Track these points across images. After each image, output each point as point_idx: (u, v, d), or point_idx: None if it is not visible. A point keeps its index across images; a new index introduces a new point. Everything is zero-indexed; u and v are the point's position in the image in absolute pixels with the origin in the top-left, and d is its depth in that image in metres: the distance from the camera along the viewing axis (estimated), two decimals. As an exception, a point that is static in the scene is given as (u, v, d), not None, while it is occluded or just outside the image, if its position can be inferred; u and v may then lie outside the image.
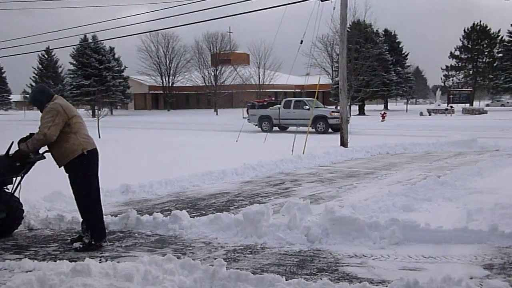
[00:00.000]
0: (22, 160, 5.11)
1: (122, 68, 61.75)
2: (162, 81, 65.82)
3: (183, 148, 15.21)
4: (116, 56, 61.55)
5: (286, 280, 3.70)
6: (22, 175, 5.38)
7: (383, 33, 54.38)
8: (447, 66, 60.05)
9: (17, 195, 5.57)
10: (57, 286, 3.44)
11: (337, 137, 15.61)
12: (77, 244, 5.08)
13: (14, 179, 5.44)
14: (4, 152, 5.24)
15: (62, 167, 5.18)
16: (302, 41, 15.07)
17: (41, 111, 5.10)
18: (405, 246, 4.90)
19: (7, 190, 5.52)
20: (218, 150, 14.23)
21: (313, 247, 4.97)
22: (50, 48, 56.79)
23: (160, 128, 28.24)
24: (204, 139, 19.15)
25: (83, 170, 5.07)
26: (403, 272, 4.15)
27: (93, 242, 5.04)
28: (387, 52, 49.83)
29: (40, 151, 5.33)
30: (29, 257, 4.74)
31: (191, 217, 5.91)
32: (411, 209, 6.25)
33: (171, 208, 6.92)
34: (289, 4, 16.34)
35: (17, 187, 5.49)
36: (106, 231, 5.42)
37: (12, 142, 5.25)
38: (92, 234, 5.07)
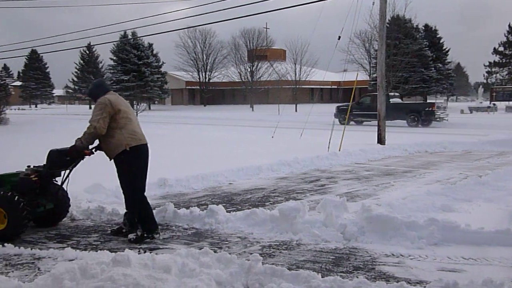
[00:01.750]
0: (77, 156, 5.27)
1: (160, 63, 62.79)
2: (199, 76, 66.55)
3: (219, 143, 15.35)
4: (154, 52, 62.65)
5: (321, 277, 3.69)
6: (71, 168, 5.56)
7: (423, 28, 53.06)
8: (490, 63, 58.09)
9: (65, 188, 5.78)
10: (99, 275, 3.55)
11: (374, 134, 15.40)
12: (131, 236, 5.20)
13: (62, 172, 5.64)
14: (57, 147, 5.46)
15: None
16: (339, 37, 14.94)
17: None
18: (444, 247, 4.81)
19: (56, 183, 5.75)
20: (253, 146, 14.27)
21: (349, 245, 4.94)
22: (92, 44, 58.40)
23: (196, 123, 28.56)
24: (240, 135, 19.25)
25: (127, 165, 5.14)
26: (442, 273, 4.07)
27: (145, 235, 5.15)
28: (427, 48, 48.55)
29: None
30: (71, 246, 4.93)
31: (227, 211, 5.97)
32: (451, 209, 6.11)
33: (207, 202, 7.01)
34: (327, -1, 16.17)
35: (65, 180, 5.68)
36: None
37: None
38: (143, 227, 5.18)
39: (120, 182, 5.29)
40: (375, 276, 4.04)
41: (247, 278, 3.79)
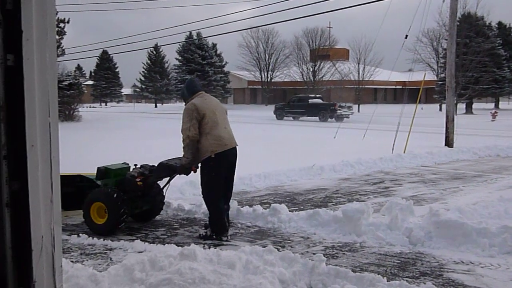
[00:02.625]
0: (186, 173, 5.35)
1: (223, 63, 63.83)
2: (261, 76, 66.92)
3: (281, 142, 15.38)
4: (218, 52, 63.74)
5: (387, 281, 3.62)
6: (173, 176, 5.72)
7: (497, 26, 50.39)
8: None
9: (164, 191, 5.99)
10: (167, 267, 3.68)
11: (441, 136, 14.84)
12: (201, 231, 5.35)
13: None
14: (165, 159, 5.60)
15: None
16: (407, 36, 14.51)
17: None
18: (518, 256, 4.56)
19: (157, 185, 5.94)
20: (315, 146, 14.19)
21: (415, 249, 4.80)
22: (158, 45, 60.41)
23: (258, 123, 28.77)
24: (302, 134, 19.20)
25: (207, 170, 5.13)
26: (516, 284, 3.87)
27: (214, 236, 5.20)
28: (500, 47, 46.08)
29: None
30: (140, 239, 5.13)
31: (289, 211, 5.98)
32: (526, 217, 5.77)
33: (269, 201, 7.06)
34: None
35: (166, 184, 5.89)
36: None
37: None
38: (212, 228, 5.24)
39: (201, 184, 5.31)
40: (443, 283, 3.91)
41: (310, 278, 3.79)
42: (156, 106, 69.44)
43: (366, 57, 54.54)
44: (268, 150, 13.09)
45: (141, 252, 4.60)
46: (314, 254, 4.13)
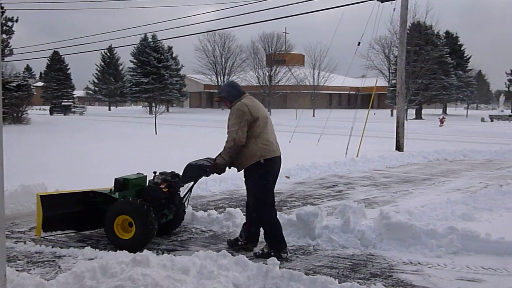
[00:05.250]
0: (219, 173, 5.00)
1: (179, 67, 63.29)
2: (217, 80, 66.79)
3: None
4: (174, 55, 63.15)
5: (339, 283, 3.68)
6: (196, 181, 5.43)
7: (444, 35, 52.61)
8: (512, 70, 57.22)
9: (185, 200, 5.63)
10: (118, 274, 3.59)
11: (392, 141, 15.29)
12: (256, 250, 4.90)
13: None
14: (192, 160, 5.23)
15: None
16: (359, 43, 14.89)
17: (227, 106, 4.98)
18: (464, 256, 4.75)
19: (179, 193, 5.57)
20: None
21: (367, 251, 4.92)
22: (113, 46, 59.21)
23: (214, 127, 28.67)
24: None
25: (256, 178, 4.72)
26: (461, 283, 4.03)
27: (272, 253, 4.61)
28: (448, 55, 48.12)
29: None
30: (91, 245, 4.98)
31: (244, 215, 5.97)
32: (471, 218, 6.03)
33: (224, 205, 7.04)
34: (348, 5, 16.18)
35: (188, 191, 5.55)
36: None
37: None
38: (270, 245, 4.77)
39: (249, 195, 4.94)
40: (393, 284, 4.02)
41: (264, 281, 3.80)
42: (110, 109, 67.92)
43: (321, 62, 55.60)
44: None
45: (92, 259, 4.47)
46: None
